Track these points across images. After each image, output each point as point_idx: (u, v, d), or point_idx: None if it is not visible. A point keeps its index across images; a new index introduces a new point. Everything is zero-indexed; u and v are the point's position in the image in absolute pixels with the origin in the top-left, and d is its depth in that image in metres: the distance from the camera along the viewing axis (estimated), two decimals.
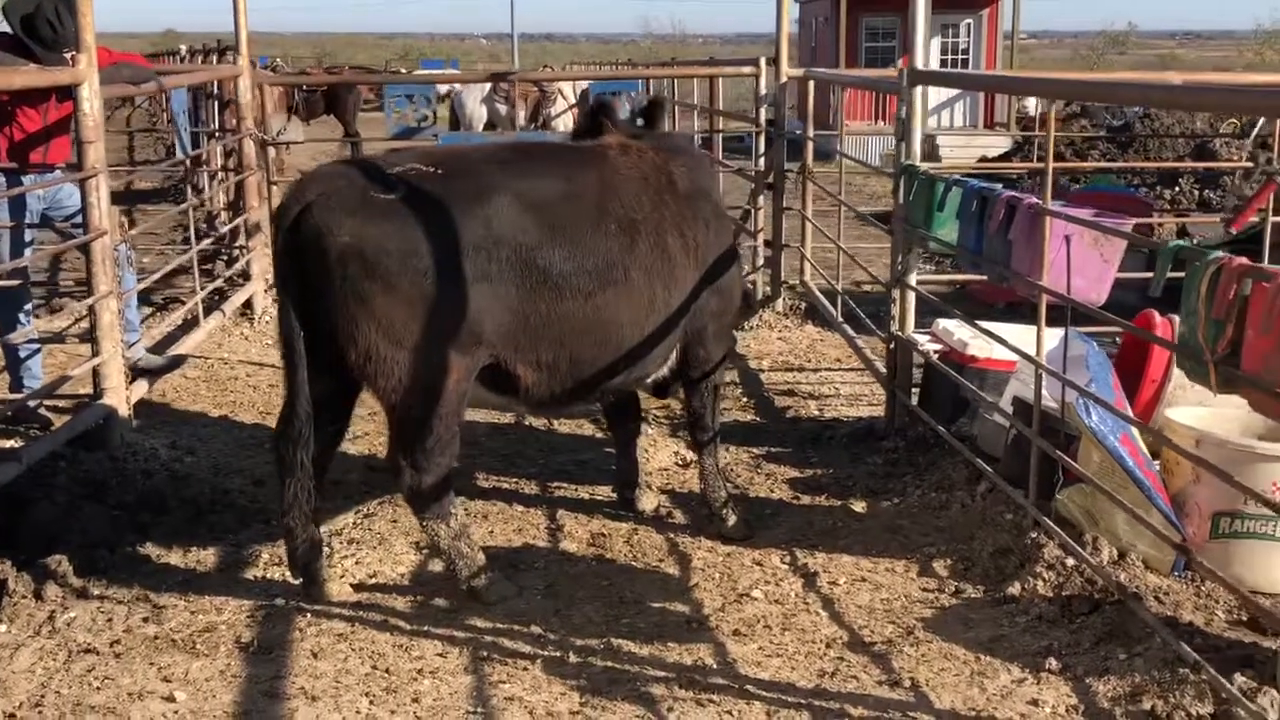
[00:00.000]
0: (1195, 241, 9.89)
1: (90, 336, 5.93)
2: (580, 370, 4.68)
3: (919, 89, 6.06)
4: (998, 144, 21.75)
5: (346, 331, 4.27)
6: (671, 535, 5.22)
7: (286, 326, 4.35)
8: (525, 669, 4.04)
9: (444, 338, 4.31)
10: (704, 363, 5.14)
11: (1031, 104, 24.33)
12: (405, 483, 4.45)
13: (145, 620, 4.40)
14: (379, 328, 4.25)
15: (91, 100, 5.67)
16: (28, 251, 6.50)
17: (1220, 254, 3.45)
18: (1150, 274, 3.85)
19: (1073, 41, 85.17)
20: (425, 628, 4.34)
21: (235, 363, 8.00)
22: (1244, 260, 3.38)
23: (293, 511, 4.39)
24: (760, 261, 9.65)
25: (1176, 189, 13.29)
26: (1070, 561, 4.47)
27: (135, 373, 6.74)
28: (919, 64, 6.04)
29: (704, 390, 5.21)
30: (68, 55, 5.74)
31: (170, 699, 3.87)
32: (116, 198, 15.38)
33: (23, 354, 6.49)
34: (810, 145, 9.15)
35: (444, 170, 4.44)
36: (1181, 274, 3.63)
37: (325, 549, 4.79)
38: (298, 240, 4.28)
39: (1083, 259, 4.69)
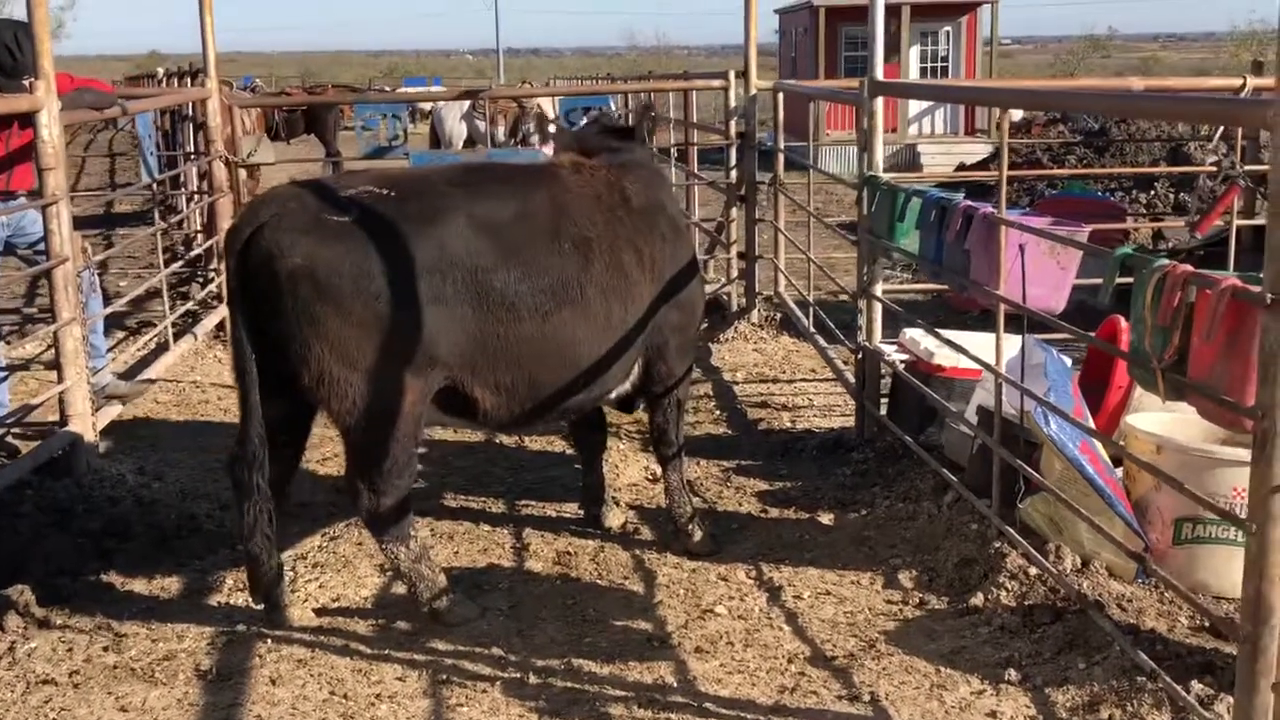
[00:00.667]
0: (1169, 245, 9.92)
1: (55, 363, 5.90)
2: (539, 391, 4.66)
3: (879, 100, 6.05)
4: (978, 151, 21.82)
5: (299, 354, 4.24)
6: (638, 552, 5.20)
7: (238, 348, 4.33)
8: (484, 691, 4.02)
9: (398, 360, 4.29)
10: (666, 378, 5.12)
11: (1018, 111, 24.38)
12: (363, 505, 4.43)
13: (105, 649, 4.36)
14: (331, 350, 4.22)
15: (51, 127, 5.66)
16: None
17: (1165, 261, 3.44)
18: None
19: (1055, 46, 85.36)
20: (386, 651, 4.31)
21: (207, 385, 7.97)
22: (1188, 267, 3.37)
23: (255, 536, 4.36)
24: (734, 273, 9.64)
25: (1152, 193, 13.30)
26: (1033, 571, 4.45)
27: (102, 398, 6.70)
28: (879, 74, 6.03)
29: (667, 405, 5.19)
30: (26, 82, 5.72)
31: None
32: (96, 221, 15.47)
33: None
34: (781, 157, 9.14)
35: (397, 192, 4.42)
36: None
37: (288, 573, 4.77)
38: (250, 262, 4.25)
39: (1039, 267, 4.68)
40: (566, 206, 4.71)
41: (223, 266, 9.06)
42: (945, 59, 27.46)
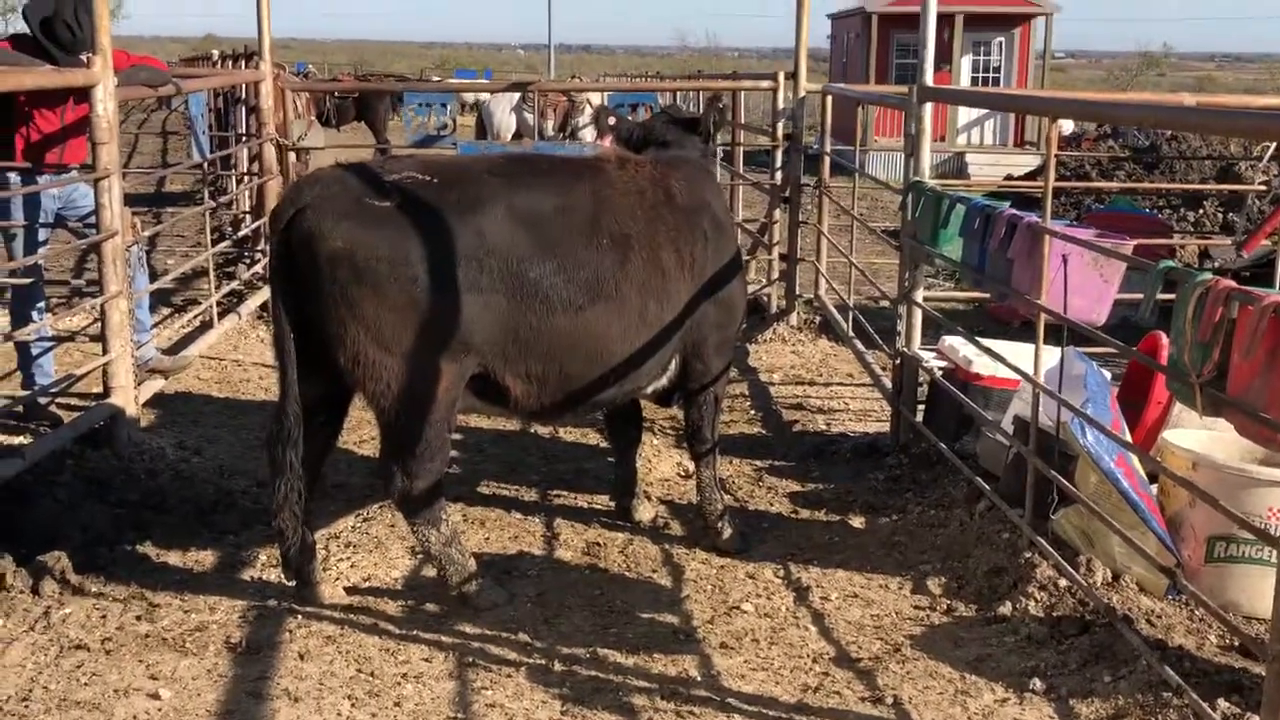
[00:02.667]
0: (1215, 264, 9.83)
1: (100, 336, 5.98)
2: (570, 383, 4.67)
3: (928, 105, 6.03)
4: (1026, 163, 21.67)
5: (336, 335, 4.29)
6: (667, 546, 5.22)
7: (278, 327, 4.38)
8: (509, 676, 4.04)
9: (432, 345, 4.33)
10: (702, 375, 5.13)
11: (1069, 125, 24.20)
12: (396, 488, 4.46)
13: (138, 618, 4.42)
14: (367, 332, 4.27)
15: (106, 102, 5.72)
16: (41, 250, 6.55)
17: (1207, 276, 3.42)
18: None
19: (1109, 62, 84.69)
20: (414, 632, 4.35)
21: (249, 365, 8.04)
22: (1230, 283, 3.34)
23: (283, 512, 4.40)
24: (775, 275, 9.64)
25: (1200, 211, 13.17)
26: (1063, 582, 4.44)
27: (145, 372, 6.78)
28: (928, 80, 6.01)
29: (703, 402, 5.19)
30: (84, 57, 5.79)
31: (155, 696, 3.89)
32: (146, 199, 15.64)
33: (35, 351, 6.54)
34: (827, 160, 9.12)
35: (439, 179, 4.46)
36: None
37: (320, 551, 4.82)
38: (291, 242, 4.30)
39: (1081, 279, 4.66)
40: (608, 202, 4.71)
41: (268, 247, 9.19)
42: (997, 69, 27.28)
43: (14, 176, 6.31)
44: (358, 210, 4.28)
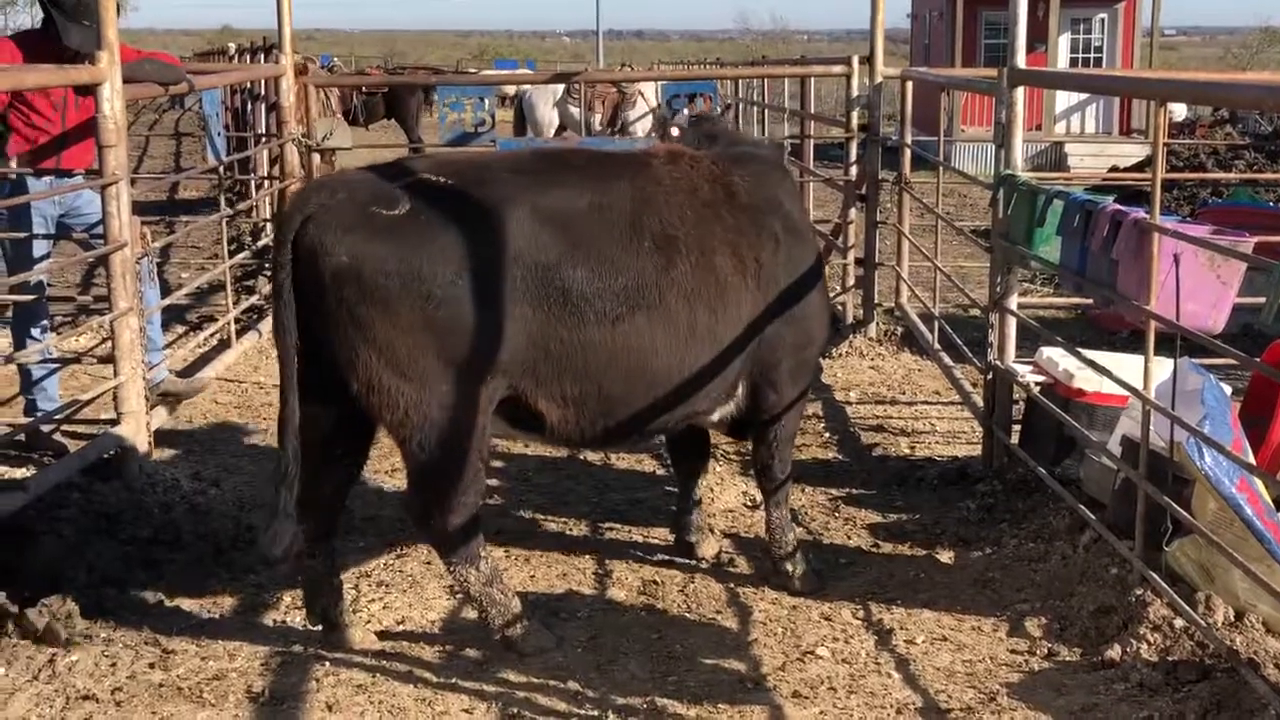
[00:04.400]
0: None
1: (109, 357, 6.07)
2: (611, 406, 4.62)
3: (1020, 90, 6.01)
4: (1133, 153, 21.51)
5: (346, 359, 4.27)
6: (732, 585, 5.21)
7: (282, 349, 4.32)
8: None
9: (453, 368, 4.30)
10: (774, 405, 5.04)
11: (1180, 110, 23.95)
12: (428, 526, 4.47)
13: (151, 666, 4.47)
14: (380, 356, 4.24)
15: (113, 101, 5.82)
16: (44, 263, 6.67)
17: None
18: None
19: (1226, 39, 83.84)
20: (453, 680, 4.36)
21: (270, 387, 8.12)
22: None
23: (284, 560, 4.36)
24: (851, 281, 9.62)
25: None
26: (1179, 622, 4.39)
27: (157, 396, 6.88)
28: (1020, 62, 5.98)
29: (773, 436, 5.11)
30: (88, 25, 5.93)
31: None
32: (158, 207, 15.88)
33: (37, 374, 6.66)
34: (908, 153, 9.09)
35: (456, 181, 4.42)
36: None
37: (350, 591, 4.86)
38: (298, 256, 4.27)
39: (1196, 281, 4.62)
40: (651, 200, 4.66)
41: (274, 260, 9.29)
42: (1099, 49, 27.11)
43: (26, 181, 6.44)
44: (364, 221, 4.24)
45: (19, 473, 6.10)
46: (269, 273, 10.53)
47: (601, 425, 4.67)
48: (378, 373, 4.25)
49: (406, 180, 4.38)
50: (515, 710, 4.16)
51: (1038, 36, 23.04)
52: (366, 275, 4.20)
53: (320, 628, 4.67)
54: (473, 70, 32.87)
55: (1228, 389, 4.98)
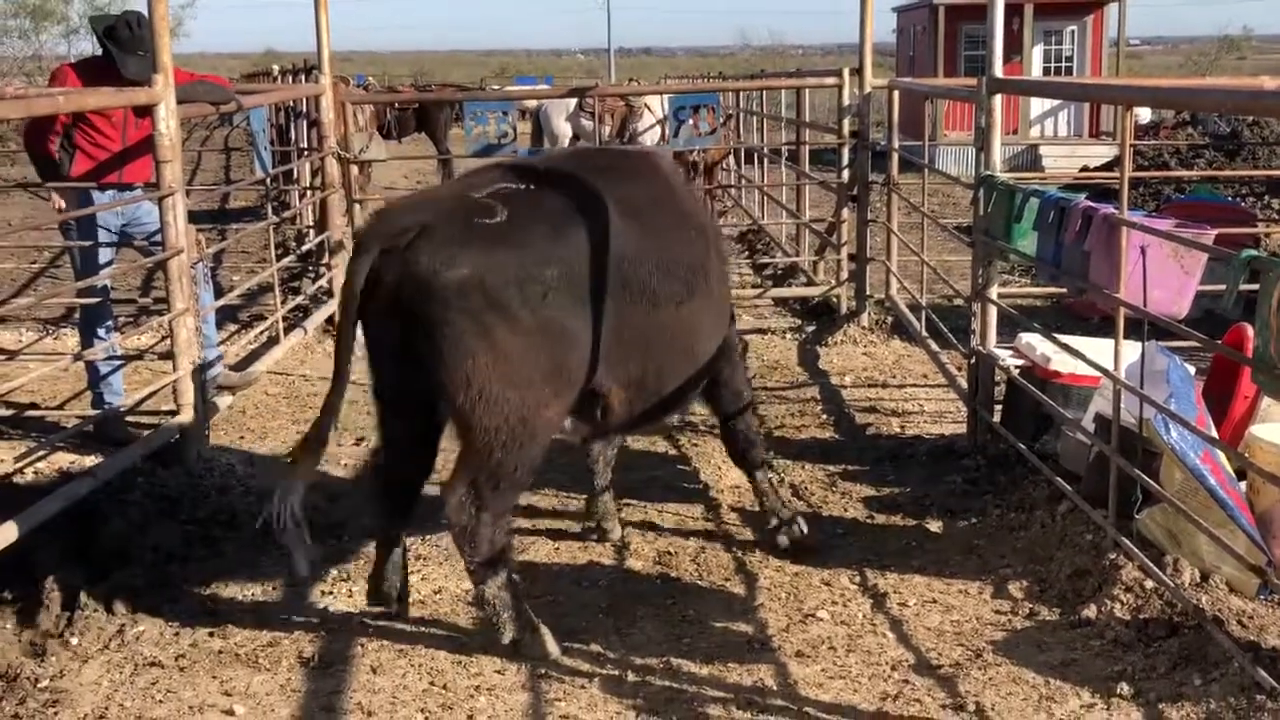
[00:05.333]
0: None
1: (169, 353, 6.09)
2: (663, 385, 4.56)
3: (997, 97, 5.99)
4: (1102, 154, 21.40)
5: (457, 373, 3.96)
6: (740, 554, 5.21)
7: (376, 380, 4.15)
8: (583, 687, 4.07)
9: (558, 369, 4.10)
10: (729, 371, 5.09)
11: (1145, 114, 23.82)
12: (471, 523, 4.11)
13: (211, 634, 4.49)
14: (496, 364, 3.96)
15: (168, 120, 5.84)
16: (108, 269, 6.70)
17: None
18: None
19: (1187, 47, 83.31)
20: (486, 644, 4.37)
21: (316, 379, 8.13)
22: None
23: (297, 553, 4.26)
24: (844, 275, 9.60)
25: None
26: (1149, 584, 4.38)
27: (213, 389, 6.90)
28: (998, 71, 5.97)
29: (745, 399, 5.19)
30: (142, 55, 5.96)
31: (230, 712, 3.96)
32: (211, 216, 15.89)
33: (103, 370, 6.68)
34: (895, 157, 9.07)
35: (536, 184, 4.25)
36: None
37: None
38: (397, 281, 3.96)
39: (1161, 270, 4.60)
40: (681, 191, 4.67)
41: (332, 261, 9.30)
42: (1070, 59, 26.91)
43: (92, 195, 6.47)
44: (475, 233, 3.98)
45: (88, 460, 6.12)
46: (312, 274, 10.56)
47: (653, 405, 4.58)
48: (490, 381, 3.97)
49: (489, 190, 4.15)
50: (543, 671, 4.17)
51: (1013, 48, 22.93)
52: (490, 284, 3.93)
53: (379, 607, 4.58)
54: (495, 87, 32.83)
55: (1191, 369, 4.97)
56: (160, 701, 4.03)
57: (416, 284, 3.93)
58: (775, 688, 4.04)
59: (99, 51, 6.65)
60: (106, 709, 3.98)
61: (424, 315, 3.96)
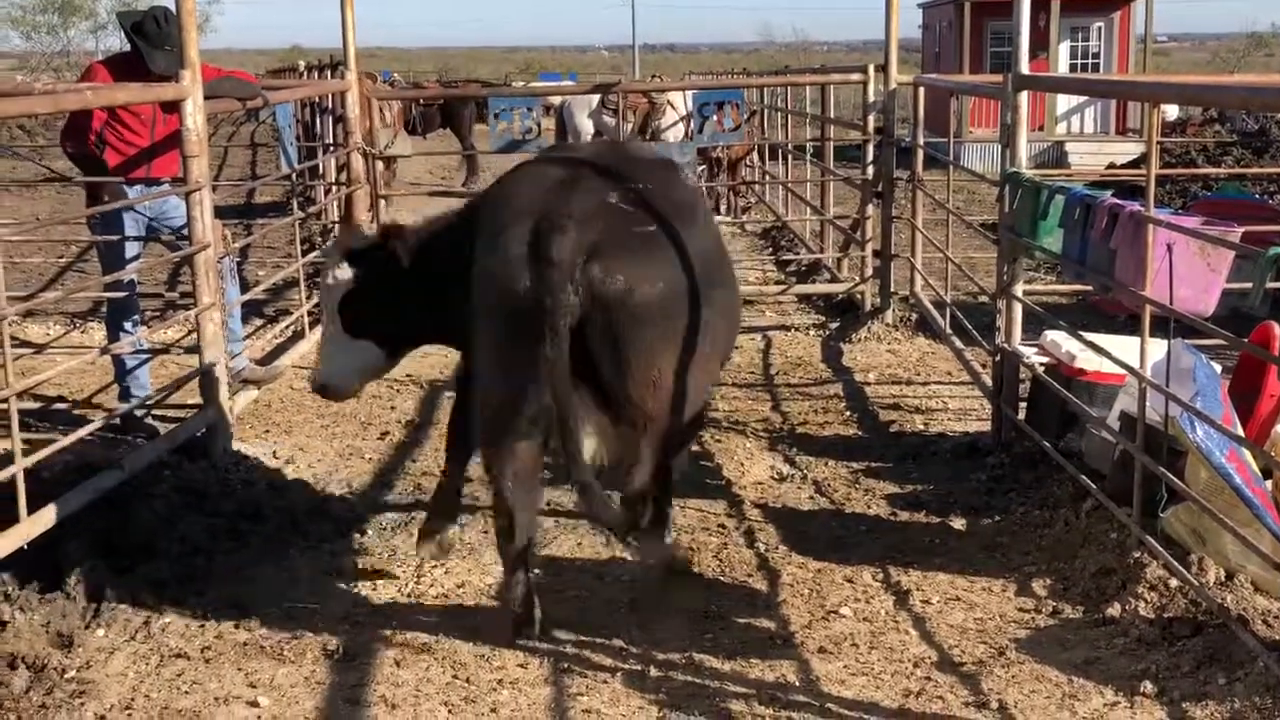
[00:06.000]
0: None
1: (195, 347, 6.13)
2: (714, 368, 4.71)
3: (1023, 94, 5.96)
4: (1129, 150, 21.30)
5: (641, 370, 4.04)
6: (762, 550, 5.21)
7: (562, 403, 3.96)
8: (605, 682, 4.08)
9: (692, 353, 4.16)
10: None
11: (1172, 110, 23.68)
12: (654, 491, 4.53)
13: (236, 626, 4.52)
14: (671, 358, 4.09)
15: (195, 115, 5.87)
16: (135, 264, 6.74)
17: None
18: None
19: (1214, 44, 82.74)
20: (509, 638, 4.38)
21: None
22: None
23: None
24: (869, 272, 9.58)
25: None
26: (1174, 582, 4.36)
27: (239, 383, 6.94)
28: (1024, 68, 5.95)
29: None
30: (170, 51, 6.00)
31: (254, 704, 3.99)
32: (237, 211, 15.96)
33: (130, 364, 6.72)
34: (920, 153, 9.04)
35: (640, 187, 4.25)
36: None
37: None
38: (589, 292, 3.96)
39: (1187, 268, 4.58)
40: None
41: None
42: (1097, 55, 26.79)
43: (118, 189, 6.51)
44: (642, 242, 4.08)
45: (115, 454, 6.16)
46: None
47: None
48: (665, 373, 4.07)
49: (611, 199, 4.15)
50: (566, 665, 4.19)
51: (1040, 44, 22.85)
52: (666, 290, 4.04)
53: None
54: (520, 83, 32.88)
55: (1218, 367, 4.94)
56: (186, 693, 4.06)
57: (605, 303, 3.97)
58: (797, 684, 4.04)
59: (127, 47, 6.70)
60: (133, 700, 4.02)
61: (609, 330, 4.00)
